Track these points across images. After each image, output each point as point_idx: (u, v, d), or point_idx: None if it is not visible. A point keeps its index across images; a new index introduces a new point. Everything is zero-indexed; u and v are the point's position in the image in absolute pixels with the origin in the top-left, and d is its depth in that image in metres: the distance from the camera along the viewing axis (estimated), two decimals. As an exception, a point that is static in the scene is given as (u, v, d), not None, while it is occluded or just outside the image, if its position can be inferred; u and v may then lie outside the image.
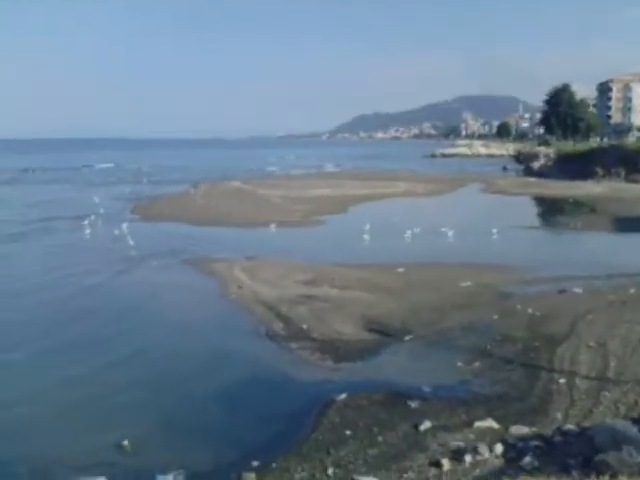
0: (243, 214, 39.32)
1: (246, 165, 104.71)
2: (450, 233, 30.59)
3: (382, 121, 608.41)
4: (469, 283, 20.54)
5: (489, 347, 14.70)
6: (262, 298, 19.09)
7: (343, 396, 11.86)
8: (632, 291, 19.76)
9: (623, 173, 58.20)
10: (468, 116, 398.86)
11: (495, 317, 17.00)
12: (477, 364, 13.64)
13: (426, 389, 12.17)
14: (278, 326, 16.44)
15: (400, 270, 22.44)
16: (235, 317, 17.72)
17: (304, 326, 16.21)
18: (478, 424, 10.62)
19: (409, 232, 30.17)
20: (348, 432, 10.43)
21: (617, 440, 8.73)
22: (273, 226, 33.18)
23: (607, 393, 11.78)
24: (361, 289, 20.07)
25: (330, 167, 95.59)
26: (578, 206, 44.95)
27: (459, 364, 13.62)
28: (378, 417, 11.00)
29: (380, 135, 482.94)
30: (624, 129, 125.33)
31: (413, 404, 11.45)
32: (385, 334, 15.64)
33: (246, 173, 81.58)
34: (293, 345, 14.97)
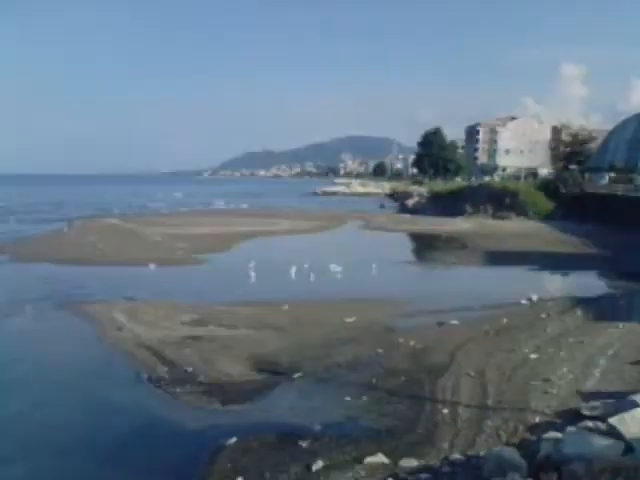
0: (121, 253, 37.69)
1: (127, 201, 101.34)
2: (334, 269, 31.04)
3: (270, 158, 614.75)
4: (354, 318, 20.83)
5: (375, 381, 14.88)
6: (143, 341, 18.19)
7: (233, 440, 11.45)
8: (505, 321, 20.94)
9: (491, 210, 62.19)
10: (347, 156, 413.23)
11: (380, 351, 17.29)
12: (365, 398, 13.74)
13: (317, 427, 12.04)
14: (162, 370, 15.68)
15: (286, 307, 22.38)
16: (113, 362, 16.69)
17: (189, 369, 15.60)
18: (369, 460, 10.63)
19: (294, 269, 30.30)
20: (239, 479, 10.06)
21: (503, 467, 9.05)
22: (153, 265, 32.04)
23: (489, 421, 12.25)
24: (248, 327, 19.73)
25: (216, 204, 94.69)
26: (451, 241, 47.33)
27: (347, 399, 13.65)
28: (270, 460, 10.70)
29: (262, 173, 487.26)
30: (490, 169, 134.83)
31: (304, 444, 11.28)
32: (274, 373, 15.40)
33: (127, 210, 78.88)
34: (178, 390, 14.30)
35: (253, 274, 29.59)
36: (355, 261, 32.51)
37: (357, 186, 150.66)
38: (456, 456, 10.61)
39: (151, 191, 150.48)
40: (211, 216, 66.44)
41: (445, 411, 12.95)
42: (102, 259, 35.13)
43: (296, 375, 15.24)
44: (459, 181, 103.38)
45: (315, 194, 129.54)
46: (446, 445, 11.33)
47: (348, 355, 16.95)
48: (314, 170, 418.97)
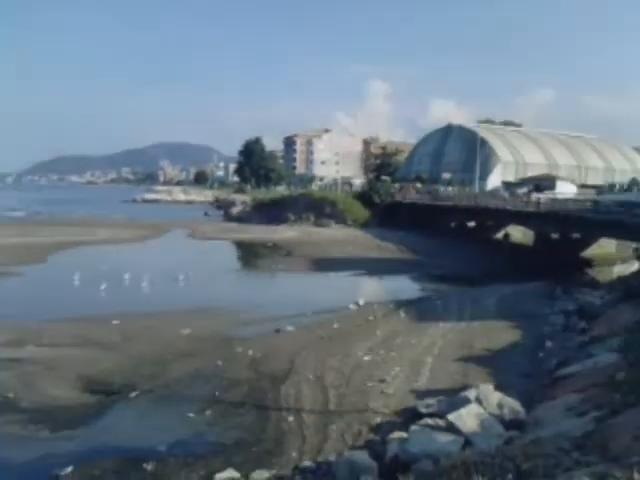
0: None
1: None
2: (164, 279, 29.99)
3: (83, 163, 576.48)
4: (190, 330, 20.26)
5: (217, 394, 14.56)
6: (-51, 367, 16.08)
7: (69, 469, 10.47)
8: (336, 326, 21.68)
9: (312, 218, 64.16)
10: (166, 163, 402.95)
11: (219, 362, 16.97)
12: (209, 413, 13.38)
13: (161, 448, 11.45)
14: (-24, 399, 13.96)
15: (116, 322, 21.09)
16: None
17: (10, 395, 14.03)
18: (219, 476, 10.37)
19: (121, 280, 28.78)
20: (80, 511, 9.25)
21: (355, 472, 9.30)
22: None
23: (333, 425, 12.55)
24: (74, 346, 18.21)
25: (19, 213, 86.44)
26: (277, 249, 47.99)
27: (191, 415, 13.19)
28: (113, 487, 10.00)
29: (75, 179, 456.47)
30: (308, 179, 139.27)
31: (149, 467, 10.68)
32: (108, 393, 14.40)
33: None
34: (-1, 420, 12.83)
35: (74, 287, 27.57)
36: (183, 271, 31.59)
37: (179, 194, 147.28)
38: (307, 464, 10.71)
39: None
40: (18, 225, 60.61)
41: (290, 419, 13.04)
42: None
43: (133, 394, 14.40)
44: (281, 190, 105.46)
45: (135, 202, 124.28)
46: (295, 453, 11.40)
47: (187, 369, 16.42)
48: (131, 177, 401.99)
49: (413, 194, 66.56)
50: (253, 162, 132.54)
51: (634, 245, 36.42)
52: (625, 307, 21.26)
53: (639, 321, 16.81)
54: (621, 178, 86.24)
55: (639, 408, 8.84)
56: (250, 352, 18.03)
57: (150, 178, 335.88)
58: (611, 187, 71.63)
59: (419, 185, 74.13)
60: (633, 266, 35.79)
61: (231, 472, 10.48)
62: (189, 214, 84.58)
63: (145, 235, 54.19)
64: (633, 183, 73.36)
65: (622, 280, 29.00)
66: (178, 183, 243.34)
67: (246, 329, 21.04)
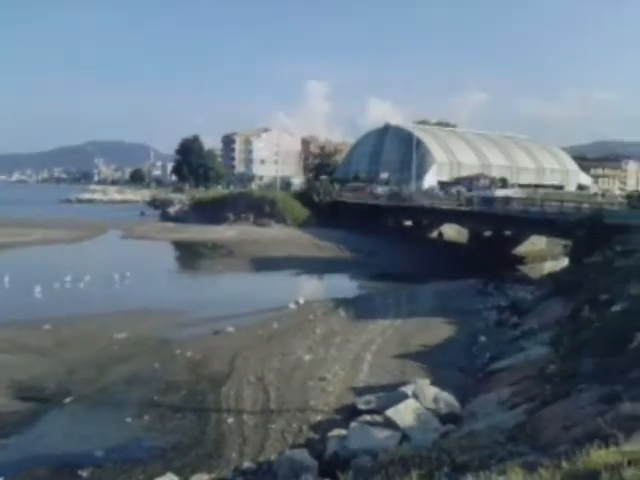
0: None
1: None
2: (99, 281, 29.21)
3: (11, 162, 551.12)
4: (126, 333, 19.80)
5: (156, 397, 14.34)
6: None
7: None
8: (276, 325, 21.67)
9: (252, 218, 63.76)
10: (100, 161, 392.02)
11: (157, 365, 16.71)
12: (147, 417, 13.15)
13: (98, 453, 11.20)
14: None
15: (48, 327, 20.39)
16: None
17: None
18: (158, 481, 10.20)
19: (57, 282, 27.85)
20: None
21: (296, 470, 9.33)
22: None
23: (274, 425, 12.56)
24: (4, 352, 17.52)
25: None
26: (217, 249, 47.55)
27: (128, 420, 12.93)
28: (47, 496, 9.69)
29: (3, 178, 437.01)
30: (247, 178, 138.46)
31: (85, 473, 10.44)
32: (41, 400, 13.94)
33: None
34: None
35: (5, 289, 26.52)
36: (120, 272, 30.83)
37: (114, 193, 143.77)
38: (247, 465, 10.69)
39: None
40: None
41: (230, 420, 12.97)
42: None
43: (67, 400, 14.00)
44: (220, 189, 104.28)
45: (69, 201, 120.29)
46: (235, 455, 11.35)
47: (123, 373, 16.08)
48: (64, 176, 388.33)
49: (372, 199, 61.19)
50: (191, 161, 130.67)
51: (563, 242, 37.83)
52: (555, 302, 22.06)
53: (568, 315, 17.48)
54: (551, 177, 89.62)
55: (568, 399, 9.20)
56: (189, 354, 17.82)
57: (84, 177, 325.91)
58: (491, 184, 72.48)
59: (380, 189, 66.13)
60: (563, 262, 37.18)
61: (170, 476, 10.32)
62: (125, 214, 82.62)
63: (80, 236, 52.65)
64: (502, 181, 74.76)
65: (552, 276, 30.06)
66: (113, 182, 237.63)
67: (185, 331, 20.76)
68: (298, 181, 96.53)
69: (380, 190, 65.23)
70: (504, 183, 66.31)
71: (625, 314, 12.67)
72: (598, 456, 4.58)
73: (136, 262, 37.84)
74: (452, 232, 51.45)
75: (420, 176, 74.31)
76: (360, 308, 25.20)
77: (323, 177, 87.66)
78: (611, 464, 4.31)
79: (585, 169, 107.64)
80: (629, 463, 4.21)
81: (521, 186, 68.85)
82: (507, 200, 45.14)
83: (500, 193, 54.06)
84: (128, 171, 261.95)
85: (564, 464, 4.76)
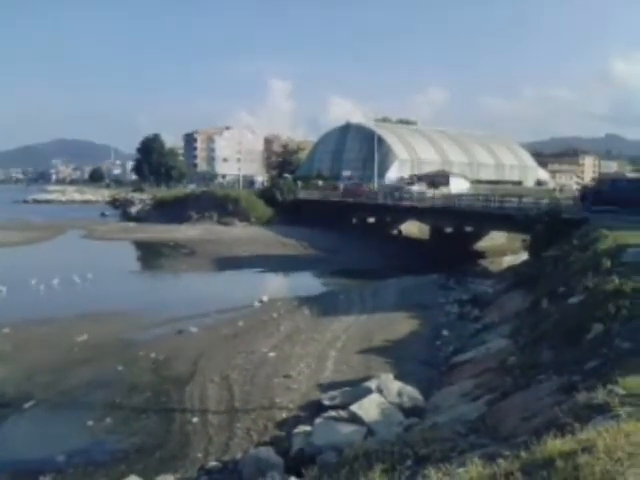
0: None
1: None
2: (59, 283, 28.64)
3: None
4: (87, 335, 19.45)
5: (119, 400, 14.15)
6: None
7: (-43, 490, 9.88)
8: (241, 324, 21.60)
9: (215, 216, 63.32)
10: (59, 161, 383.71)
11: (120, 367, 16.47)
12: (109, 420, 12.97)
13: (60, 458, 10.99)
14: None
15: (6, 330, 19.91)
16: None
17: None
18: (122, 483, 10.08)
19: (14, 285, 27.20)
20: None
21: (261, 468, 9.33)
22: None
23: (239, 423, 12.53)
24: (-41, 358, 17.10)
25: None
26: (179, 248, 47.06)
27: (90, 423, 12.72)
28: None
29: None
30: (210, 176, 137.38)
31: (46, 478, 10.23)
32: (0, 405, 13.63)
33: None
34: None
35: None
36: (80, 273, 30.29)
37: (73, 193, 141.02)
38: (212, 464, 10.63)
39: None
40: None
41: (195, 420, 12.89)
42: None
43: (27, 404, 13.69)
44: (182, 188, 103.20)
45: (26, 202, 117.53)
46: (200, 454, 11.29)
47: (85, 376, 15.81)
48: (21, 176, 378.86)
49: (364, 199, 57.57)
50: (152, 159, 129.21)
51: (522, 237, 38.58)
52: (515, 294, 22.48)
53: (528, 307, 17.85)
54: (510, 173, 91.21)
55: (527, 390, 9.40)
56: (152, 355, 17.64)
57: (42, 177, 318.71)
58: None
59: (373, 185, 62.09)
60: (522, 256, 37.89)
61: (134, 479, 10.20)
62: (85, 214, 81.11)
63: (38, 237, 51.54)
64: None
65: (512, 269, 30.63)
66: (72, 182, 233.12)
67: (148, 332, 20.53)
68: (261, 179, 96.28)
69: (377, 189, 62.22)
70: (411, 180, 67.41)
71: (582, 306, 12.98)
72: (554, 445, 4.70)
73: (97, 263, 37.12)
74: (414, 229, 51.99)
75: (382, 173, 74.87)
76: (324, 305, 25.28)
77: (286, 175, 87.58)
78: (566, 452, 4.43)
79: (543, 165, 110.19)
80: (583, 450, 4.34)
81: (480, 182, 69.86)
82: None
83: (414, 189, 56.95)
84: (88, 171, 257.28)
85: (522, 454, 4.87)
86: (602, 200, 29.83)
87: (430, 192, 52.98)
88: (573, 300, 13.98)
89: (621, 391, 6.44)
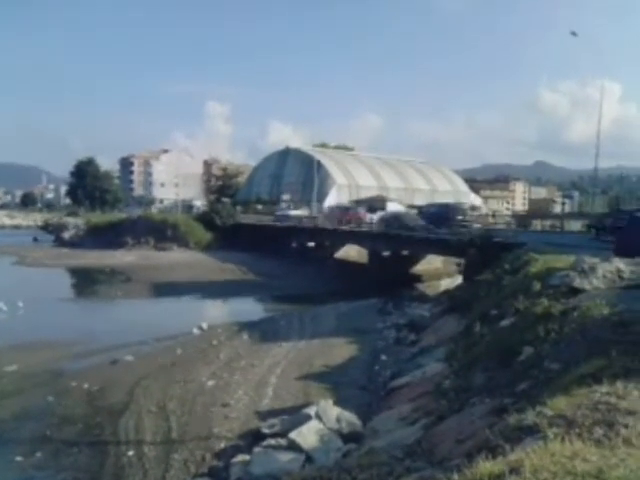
0: None
1: None
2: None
3: None
4: (17, 366, 18.70)
5: (49, 433, 13.64)
6: None
7: None
8: (179, 352, 21.24)
9: (152, 242, 62.18)
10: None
11: (50, 399, 15.90)
12: (39, 454, 12.47)
13: (-16, 498, 10.51)
14: None
15: None
16: None
17: None
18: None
19: None
20: None
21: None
22: None
23: (176, 455, 12.28)
24: None
25: None
26: (115, 275, 45.96)
27: (19, 459, 12.20)
28: None
29: None
30: (147, 201, 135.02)
31: (-30, 520, 9.75)
32: None
33: None
34: None
35: None
36: (9, 301, 29.14)
37: (4, 217, 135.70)
38: (148, 497, 10.38)
39: None
40: None
41: (130, 453, 12.56)
42: None
43: (-55, 441, 13.04)
44: (118, 213, 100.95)
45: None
46: (136, 488, 10.99)
47: (13, 408, 15.18)
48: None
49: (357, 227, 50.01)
50: (86, 183, 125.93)
51: (457, 261, 39.57)
52: (450, 318, 23.04)
53: (462, 331, 18.31)
54: (443, 198, 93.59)
55: (461, 413, 9.64)
56: (85, 386, 17.11)
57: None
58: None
59: (372, 215, 51.49)
60: (458, 280, 38.84)
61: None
62: (16, 239, 78.40)
63: (-38, 264, 49.34)
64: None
65: (447, 293, 31.36)
66: (2, 206, 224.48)
67: (81, 362, 19.91)
68: (200, 203, 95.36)
69: (372, 215, 52.44)
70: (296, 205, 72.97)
71: (513, 328, 13.44)
72: (485, 467, 4.87)
73: (29, 291, 35.77)
74: (353, 252, 52.53)
75: (321, 198, 75.56)
76: (264, 331, 25.17)
77: (225, 199, 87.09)
78: (495, 474, 4.61)
79: (476, 191, 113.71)
80: (511, 472, 4.52)
81: (415, 207, 71.34)
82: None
83: (294, 213, 63.01)
84: (19, 194, 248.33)
85: (455, 477, 5.02)
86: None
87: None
88: (505, 323, 14.46)
89: (550, 412, 6.70)
